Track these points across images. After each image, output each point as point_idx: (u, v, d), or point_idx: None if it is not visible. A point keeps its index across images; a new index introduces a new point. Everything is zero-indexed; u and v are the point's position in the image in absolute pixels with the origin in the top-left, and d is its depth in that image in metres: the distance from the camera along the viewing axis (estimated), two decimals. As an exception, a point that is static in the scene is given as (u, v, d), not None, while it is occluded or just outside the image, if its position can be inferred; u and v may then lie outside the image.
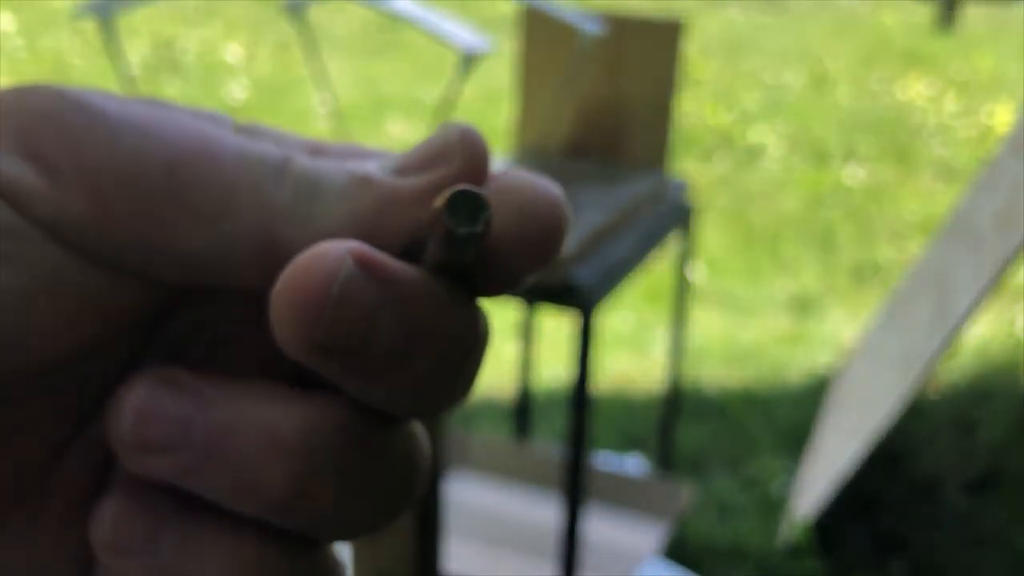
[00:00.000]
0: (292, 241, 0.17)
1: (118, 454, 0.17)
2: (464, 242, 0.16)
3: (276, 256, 0.17)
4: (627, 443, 2.21)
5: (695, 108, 4.92)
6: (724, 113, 4.94)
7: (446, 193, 0.16)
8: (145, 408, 0.16)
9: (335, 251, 0.15)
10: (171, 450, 0.16)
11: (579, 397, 1.37)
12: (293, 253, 0.16)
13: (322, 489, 0.17)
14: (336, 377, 0.16)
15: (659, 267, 3.09)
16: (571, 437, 1.38)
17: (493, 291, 0.18)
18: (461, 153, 0.17)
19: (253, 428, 0.16)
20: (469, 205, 0.16)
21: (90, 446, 0.18)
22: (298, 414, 0.17)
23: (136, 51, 5.45)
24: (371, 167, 0.17)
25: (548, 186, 0.17)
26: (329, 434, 0.17)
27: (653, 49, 1.68)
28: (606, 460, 2.01)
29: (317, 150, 0.19)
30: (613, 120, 1.73)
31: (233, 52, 5.71)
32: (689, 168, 4.23)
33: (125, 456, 0.17)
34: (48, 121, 0.16)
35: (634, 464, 2.05)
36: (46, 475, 0.18)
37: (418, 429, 0.19)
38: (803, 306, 3.01)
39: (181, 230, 0.16)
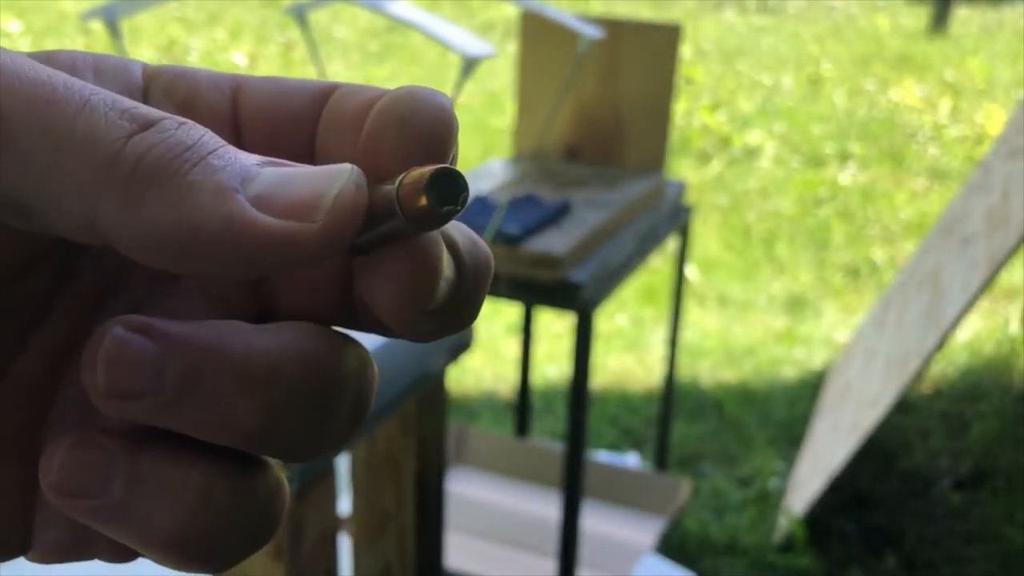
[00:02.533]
0: (113, 218, 0.15)
1: (93, 401, 0.17)
2: (440, 220, 0.16)
3: (97, 227, 0.16)
4: (625, 440, 2.23)
5: (692, 110, 4.94)
6: (720, 115, 4.96)
7: (427, 171, 0.16)
8: (116, 356, 0.16)
9: (437, 239, 0.17)
10: (145, 394, 0.16)
11: (577, 395, 1.39)
12: (113, 229, 0.16)
13: (292, 416, 0.17)
14: (403, 329, 0.18)
15: (656, 267, 3.12)
16: (570, 434, 1.40)
17: None
18: (328, 213, 0.16)
19: (222, 365, 0.17)
20: (449, 183, 0.16)
21: (18, 384, 0.19)
22: (263, 347, 0.17)
23: (142, 54, 5.46)
24: (248, 169, 0.16)
25: (430, 91, 0.17)
26: (294, 363, 0.17)
27: (651, 52, 1.70)
28: (604, 457, 2.03)
29: (236, 86, 0.19)
30: (611, 123, 1.75)
31: (238, 55, 5.72)
32: (686, 170, 4.25)
33: (100, 403, 0.17)
34: None
35: (632, 461, 2.08)
36: None
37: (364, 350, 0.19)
38: (797, 305, 3.04)
39: (10, 177, 0.15)
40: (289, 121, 0.19)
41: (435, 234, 0.17)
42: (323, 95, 0.19)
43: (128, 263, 0.19)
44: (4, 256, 0.17)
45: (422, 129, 0.17)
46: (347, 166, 0.17)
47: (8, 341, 0.18)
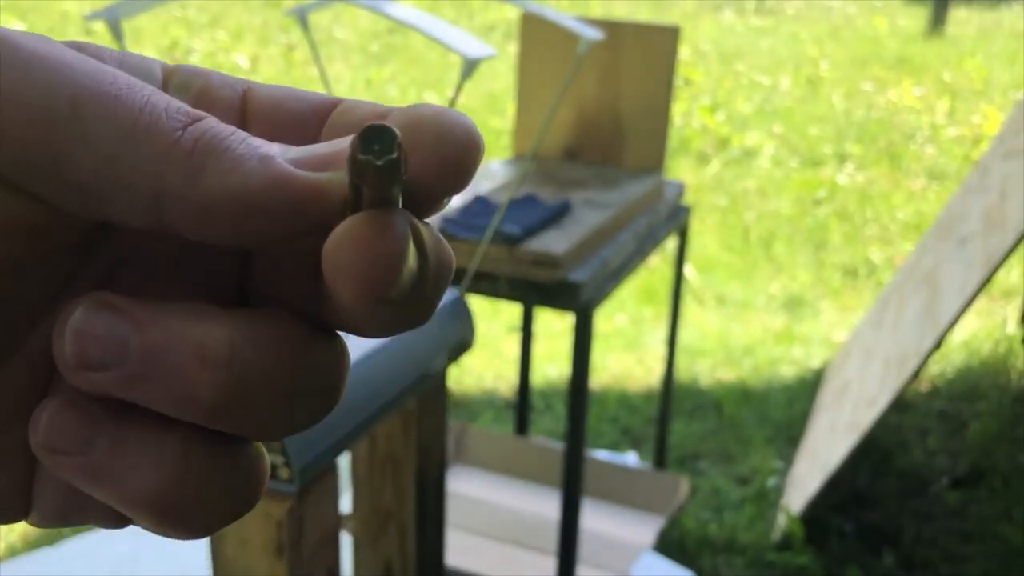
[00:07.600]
0: (177, 191, 0.17)
1: (60, 370, 0.18)
2: (379, 172, 0.17)
3: (162, 202, 0.18)
4: (624, 439, 2.24)
5: (690, 111, 4.95)
6: (719, 116, 4.97)
7: (356, 135, 0.17)
8: (83, 329, 0.18)
9: (402, 219, 0.17)
10: (108, 367, 0.18)
11: (577, 394, 1.40)
12: (177, 202, 0.17)
13: (250, 397, 0.18)
14: (363, 317, 0.18)
15: (655, 267, 3.13)
16: (569, 433, 1.41)
17: (419, 215, 0.18)
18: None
19: (183, 344, 0.18)
20: (380, 138, 0.17)
21: (30, 357, 0.20)
22: (224, 329, 0.18)
23: (144, 55, 5.46)
24: (275, 149, 0.18)
25: (458, 113, 0.18)
26: (258, 346, 0.18)
27: (650, 54, 1.71)
28: (604, 456, 2.04)
29: (247, 87, 0.21)
30: (610, 123, 1.76)
31: (240, 57, 5.72)
32: (685, 170, 4.26)
33: (67, 372, 0.18)
34: None
35: (631, 460, 2.08)
36: None
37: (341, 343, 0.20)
38: (796, 305, 3.05)
39: (78, 162, 0.17)
40: (294, 124, 0.20)
41: (404, 216, 0.17)
42: (328, 105, 0.21)
43: (136, 249, 0.20)
44: (43, 240, 0.19)
45: (456, 144, 0.18)
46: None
47: (29, 317, 0.20)
